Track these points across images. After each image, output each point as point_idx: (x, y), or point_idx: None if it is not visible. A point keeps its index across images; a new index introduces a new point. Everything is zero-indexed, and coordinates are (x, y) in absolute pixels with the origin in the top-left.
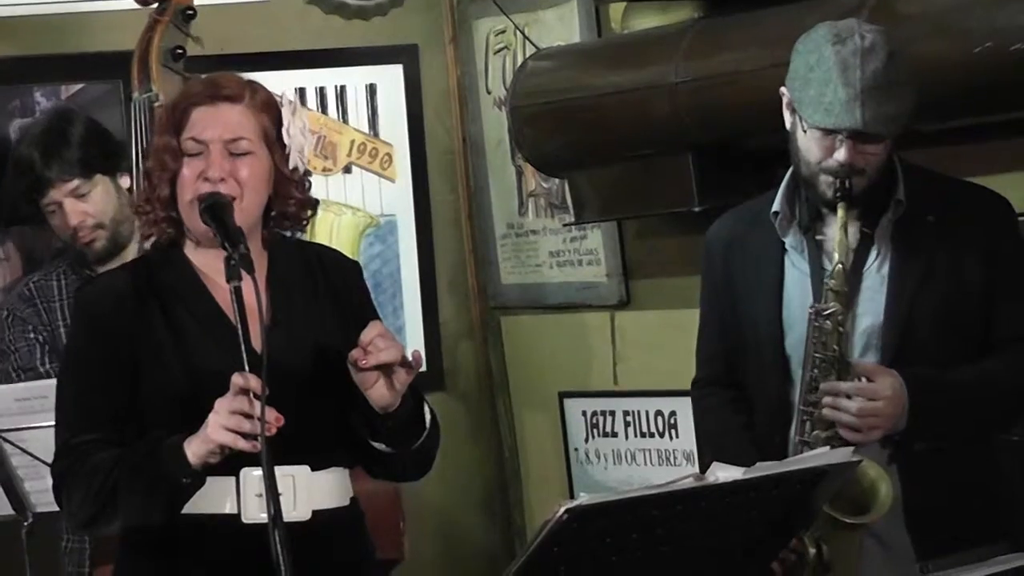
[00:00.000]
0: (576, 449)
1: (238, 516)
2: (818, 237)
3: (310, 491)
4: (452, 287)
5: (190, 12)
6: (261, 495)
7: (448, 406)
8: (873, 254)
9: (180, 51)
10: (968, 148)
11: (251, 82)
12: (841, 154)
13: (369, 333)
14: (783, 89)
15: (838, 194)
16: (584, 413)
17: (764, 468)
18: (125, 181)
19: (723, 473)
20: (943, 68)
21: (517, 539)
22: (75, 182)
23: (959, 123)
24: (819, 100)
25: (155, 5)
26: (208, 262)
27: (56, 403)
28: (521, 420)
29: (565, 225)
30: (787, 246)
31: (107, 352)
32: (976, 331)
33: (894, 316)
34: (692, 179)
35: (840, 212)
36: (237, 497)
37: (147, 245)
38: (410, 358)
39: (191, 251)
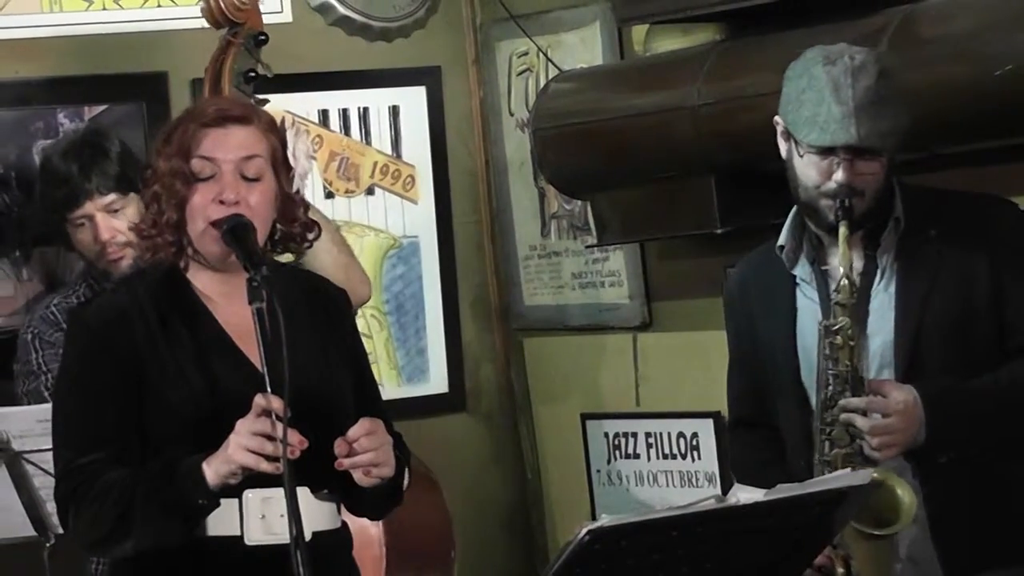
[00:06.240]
0: (598, 471)
1: (240, 538)
2: (823, 268)
3: (309, 513)
4: (475, 309)
5: (262, 37)
6: (263, 516)
7: (471, 428)
8: (879, 274)
9: (253, 74)
10: (988, 170)
11: (254, 105)
12: (839, 175)
13: (357, 431)
14: (777, 118)
15: (839, 213)
16: (606, 434)
17: (784, 490)
18: None
19: (744, 495)
20: (963, 91)
21: (539, 560)
22: (111, 196)
23: (979, 146)
24: (813, 120)
25: (226, 28)
26: (210, 284)
27: (54, 424)
28: (543, 442)
29: (587, 247)
30: (797, 279)
31: (111, 369)
32: (990, 340)
33: (904, 333)
34: (714, 201)
35: (842, 229)
36: (240, 519)
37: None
38: (383, 471)
39: (192, 273)
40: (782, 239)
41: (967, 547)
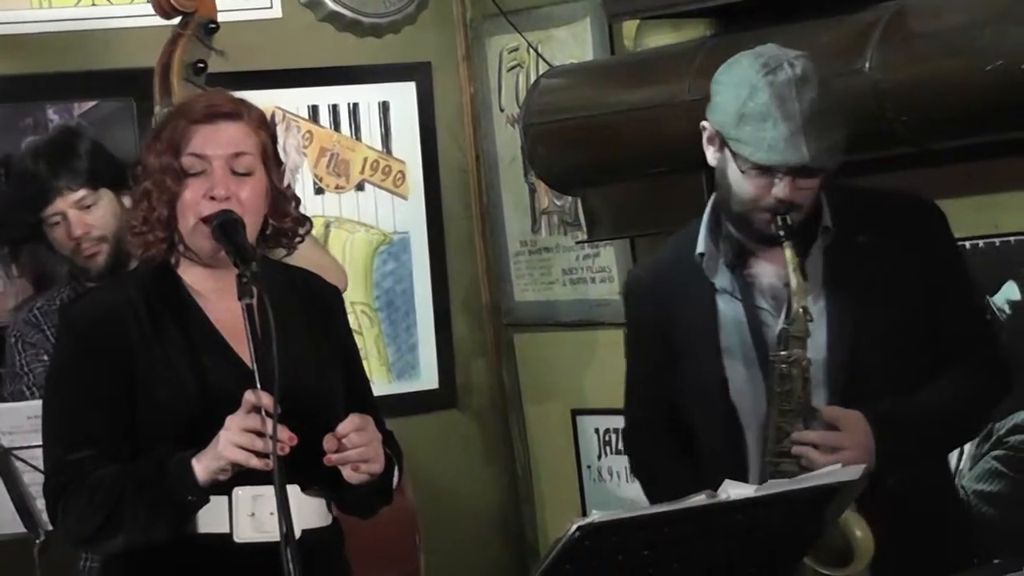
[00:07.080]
0: (589, 466)
1: (230, 535)
2: (747, 279)
3: (300, 510)
4: (465, 304)
5: (213, 26)
6: (253, 514)
7: (461, 424)
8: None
9: (202, 65)
10: (979, 166)
11: (244, 100)
12: (780, 191)
13: (346, 426)
14: (705, 124)
15: (781, 232)
16: (597, 430)
17: (776, 486)
18: (128, 200)
19: (735, 491)
20: (955, 86)
21: (530, 556)
22: (81, 192)
23: (970, 141)
24: (759, 137)
25: (178, 19)
26: (200, 280)
27: (44, 422)
28: (534, 438)
29: (578, 242)
30: (717, 287)
31: (101, 366)
32: (926, 345)
33: (838, 350)
34: (705, 197)
35: (788, 254)
36: (229, 516)
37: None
38: (372, 467)
39: (183, 270)
40: (701, 246)
41: (907, 566)
